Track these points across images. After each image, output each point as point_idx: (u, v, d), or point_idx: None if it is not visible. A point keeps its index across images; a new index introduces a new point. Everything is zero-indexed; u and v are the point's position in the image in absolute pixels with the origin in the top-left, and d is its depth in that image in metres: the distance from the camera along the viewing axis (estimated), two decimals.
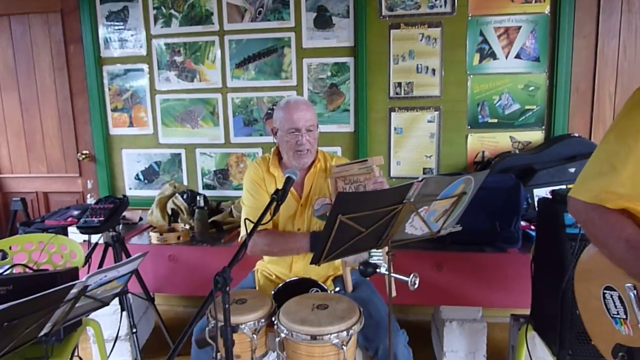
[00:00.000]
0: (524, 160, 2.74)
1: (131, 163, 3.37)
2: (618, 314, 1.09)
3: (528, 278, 2.18)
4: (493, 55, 2.93)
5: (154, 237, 2.63)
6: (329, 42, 3.05)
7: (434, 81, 3.00)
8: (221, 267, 2.57)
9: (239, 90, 3.19)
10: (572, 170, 2.59)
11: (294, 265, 2.06)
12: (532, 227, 2.56)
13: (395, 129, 3.08)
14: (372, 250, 1.85)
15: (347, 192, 1.53)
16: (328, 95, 3.11)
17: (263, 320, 1.55)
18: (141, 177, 3.38)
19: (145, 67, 3.24)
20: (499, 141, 3.00)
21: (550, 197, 1.99)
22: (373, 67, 3.02)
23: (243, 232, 2.04)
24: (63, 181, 3.48)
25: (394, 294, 1.84)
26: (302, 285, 1.86)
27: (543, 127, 2.95)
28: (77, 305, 1.59)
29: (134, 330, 2.36)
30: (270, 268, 2.15)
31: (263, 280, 2.13)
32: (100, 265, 2.44)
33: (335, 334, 1.42)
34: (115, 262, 2.45)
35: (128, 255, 2.46)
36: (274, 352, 1.65)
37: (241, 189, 3.26)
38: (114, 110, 3.33)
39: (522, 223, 2.52)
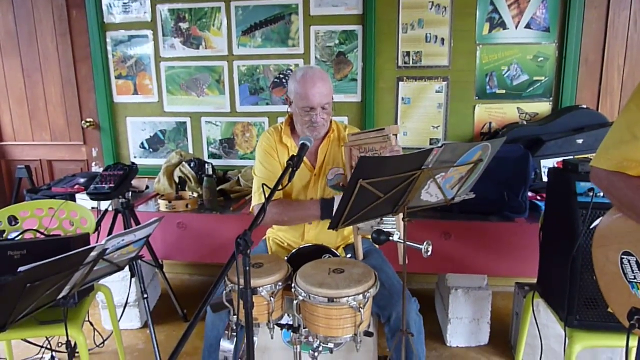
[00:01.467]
0: (532, 132, 2.75)
1: (136, 131, 3.35)
2: (635, 278, 1.12)
3: (534, 247, 2.22)
4: (503, 25, 2.90)
5: (162, 204, 2.64)
6: (337, 9, 3.00)
7: (443, 51, 2.97)
8: (231, 235, 2.59)
9: (245, 58, 3.15)
10: (580, 141, 2.60)
11: (307, 234, 2.08)
12: (539, 198, 2.59)
13: (403, 99, 3.06)
14: (385, 218, 1.87)
15: (369, 157, 1.53)
16: (336, 64, 3.08)
17: (280, 283, 1.57)
18: (146, 145, 3.37)
19: (149, 33, 3.19)
20: (507, 112, 3.00)
21: (561, 167, 2.01)
22: (382, 36, 2.99)
23: (255, 202, 2.04)
24: (67, 149, 3.46)
25: (405, 261, 1.87)
26: (315, 252, 1.87)
27: (551, 98, 2.95)
28: (95, 268, 1.61)
29: (145, 295, 2.39)
30: (282, 236, 2.17)
31: (275, 247, 2.15)
32: (110, 232, 2.45)
33: (353, 297, 1.45)
34: (125, 229, 2.47)
35: (138, 222, 2.47)
36: (289, 315, 1.68)
37: (247, 158, 3.29)
38: (118, 77, 3.29)
39: (530, 194, 2.54)
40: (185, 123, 3.30)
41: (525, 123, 2.93)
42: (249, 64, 3.15)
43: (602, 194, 1.75)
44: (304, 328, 1.56)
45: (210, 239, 2.59)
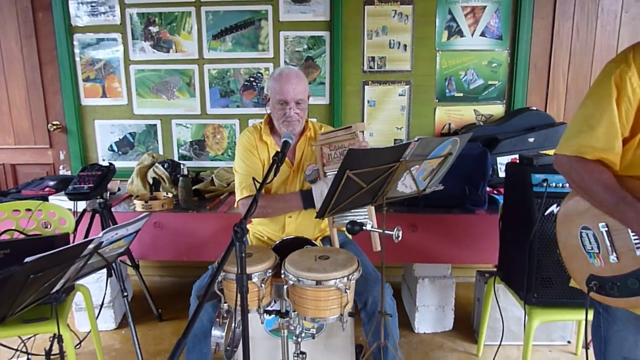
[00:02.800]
0: (488, 131, 2.98)
1: (105, 134, 3.35)
2: (592, 249, 1.30)
3: (494, 237, 2.43)
4: (460, 33, 3.12)
5: (138, 204, 2.67)
6: (306, 15, 3.14)
7: (406, 56, 3.17)
8: (209, 232, 2.68)
9: (215, 62, 3.23)
10: (532, 140, 2.85)
11: (287, 227, 2.19)
12: (496, 192, 2.81)
13: (368, 101, 3.23)
14: (357, 210, 2.01)
15: (357, 149, 1.65)
16: (304, 68, 3.21)
17: (270, 270, 1.67)
18: (115, 148, 3.37)
19: (118, 36, 3.20)
20: (464, 114, 3.23)
21: (518, 161, 2.23)
22: (348, 42, 3.15)
23: (240, 196, 2.13)
24: (32, 153, 3.40)
25: (379, 248, 2.03)
26: (297, 243, 1.98)
27: (504, 101, 3.20)
28: (88, 262, 1.66)
29: (125, 293, 2.42)
30: (261, 230, 2.27)
31: (256, 241, 2.25)
32: (87, 233, 2.46)
33: (340, 279, 1.58)
34: (102, 229, 2.49)
35: (115, 222, 2.49)
36: (275, 301, 1.78)
37: (218, 159, 3.37)
38: (86, 80, 3.28)
39: (488, 188, 2.76)
40: (155, 125, 3.33)
41: (481, 124, 3.16)
42: (220, 67, 3.23)
43: (554, 185, 1.97)
44: (293, 311, 1.67)
45: (188, 237, 2.64)
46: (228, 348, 1.90)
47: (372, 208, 1.97)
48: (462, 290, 3.21)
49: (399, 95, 3.21)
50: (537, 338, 2.62)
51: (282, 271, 1.65)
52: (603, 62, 3.05)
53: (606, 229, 1.26)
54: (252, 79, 3.24)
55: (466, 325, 2.86)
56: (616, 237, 1.25)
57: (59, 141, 3.37)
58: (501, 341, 2.31)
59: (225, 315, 1.81)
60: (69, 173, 3.36)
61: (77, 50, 3.23)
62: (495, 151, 2.87)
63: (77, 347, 2.62)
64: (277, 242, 1.99)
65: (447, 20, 3.10)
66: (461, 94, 3.20)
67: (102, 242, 1.59)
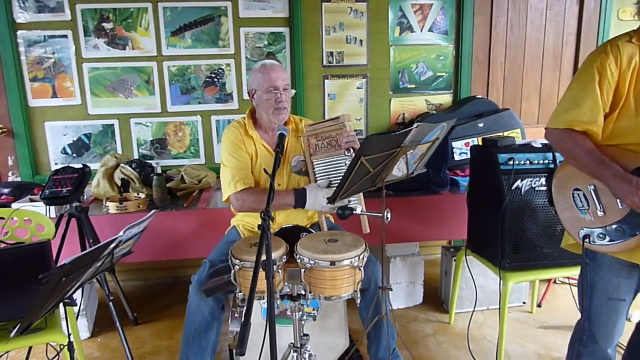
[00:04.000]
0: (442, 119, 3.22)
1: (56, 136, 3.19)
2: (583, 206, 1.56)
3: (459, 214, 2.69)
4: (410, 28, 3.35)
5: (112, 207, 2.60)
6: (265, 12, 3.20)
7: (362, 51, 3.34)
8: (188, 230, 2.69)
9: (175, 59, 3.19)
10: (481, 125, 3.15)
11: (277, 217, 2.27)
12: (453, 174, 3.08)
13: (328, 95, 3.37)
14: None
15: (373, 135, 1.77)
16: None
17: (285, 256, 1.76)
18: (69, 150, 3.22)
19: (69, 33, 3.06)
20: (417, 104, 3.47)
21: (482, 144, 2.48)
22: (307, 37, 3.26)
23: (231, 191, 2.15)
24: None
25: (367, 230, 2.19)
26: (294, 231, 2.08)
27: (451, 91, 3.49)
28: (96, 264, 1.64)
29: (111, 297, 2.37)
30: (250, 221, 2.33)
31: (247, 233, 2.30)
32: (63, 238, 2.37)
33: (355, 258, 1.70)
34: (80, 234, 2.42)
35: (92, 226, 2.42)
36: (286, 285, 1.86)
37: (181, 157, 3.34)
38: (34, 80, 3.10)
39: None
40: (112, 125, 3.23)
41: (434, 112, 3.42)
42: (179, 64, 3.20)
43: (519, 162, 2.23)
44: (309, 292, 1.76)
45: (167, 236, 2.63)
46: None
47: (361, 194, 2.13)
48: (426, 267, 3.47)
49: (357, 88, 3.38)
50: (496, 302, 2.92)
51: (297, 256, 1.74)
52: (533, 54, 3.46)
53: (594, 188, 1.52)
54: (213, 75, 3.24)
55: (434, 297, 3.11)
56: (602, 195, 1.52)
57: (5, 146, 3.15)
58: (475, 306, 2.56)
59: (240, 304, 1.86)
60: (19, 179, 3.15)
61: (22, 49, 3.04)
62: (449, 137, 3.13)
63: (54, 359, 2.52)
64: (277, 230, 2.07)
65: (398, 17, 3.32)
66: (413, 86, 3.44)
67: (121, 241, 1.58)
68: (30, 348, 2.28)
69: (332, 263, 1.69)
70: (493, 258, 2.31)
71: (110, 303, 2.39)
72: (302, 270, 1.74)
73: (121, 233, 1.55)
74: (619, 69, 1.48)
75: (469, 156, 3.13)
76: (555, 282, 3.20)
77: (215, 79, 3.25)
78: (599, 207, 1.52)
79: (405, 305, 3.04)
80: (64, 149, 3.21)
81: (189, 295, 2.12)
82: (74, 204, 2.33)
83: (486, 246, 2.39)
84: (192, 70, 3.22)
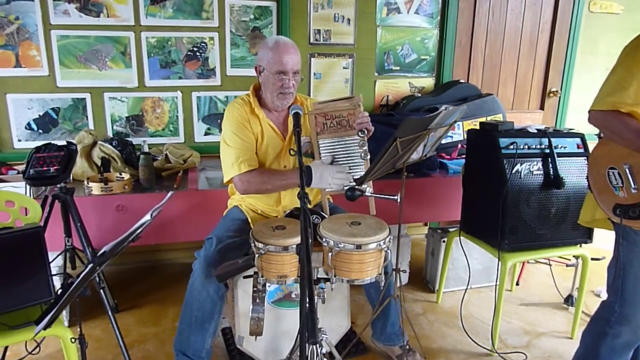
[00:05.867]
0: (428, 102, 3.27)
1: (20, 110, 2.90)
2: (617, 184, 1.65)
3: (451, 196, 2.74)
4: (397, 10, 3.33)
5: (95, 187, 2.42)
6: None
7: (349, 30, 3.28)
8: (178, 212, 2.57)
9: (154, 29, 2.98)
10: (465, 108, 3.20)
11: (283, 199, 2.21)
12: (438, 156, 3.12)
13: (314, 74, 3.29)
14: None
15: (411, 118, 1.72)
16: (251, 39, 3.14)
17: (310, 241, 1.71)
18: (34, 126, 2.95)
19: None
20: (400, 86, 3.48)
21: (479, 127, 2.53)
22: (295, 13, 3.15)
23: (235, 172, 2.05)
24: None
25: (374, 212, 2.17)
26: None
27: (433, 74, 3.52)
28: None
29: (103, 285, 2.21)
30: (253, 203, 2.24)
31: (252, 214, 2.22)
32: (47, 221, 2.18)
33: (382, 240, 1.69)
34: (64, 217, 2.24)
35: (76, 209, 2.24)
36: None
37: (159, 135, 3.17)
38: None
39: None
40: (84, 99, 2.98)
41: (419, 95, 3.44)
42: (159, 35, 3.00)
43: (521, 146, 2.29)
44: (335, 276, 1.73)
45: (156, 218, 2.47)
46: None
47: None
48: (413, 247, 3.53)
49: (343, 68, 3.33)
50: (479, 281, 3.04)
51: (324, 239, 1.70)
52: (512, 40, 3.55)
53: (629, 167, 1.62)
54: (195, 49, 3.07)
55: (419, 277, 3.17)
56: (637, 173, 1.61)
57: None
58: (467, 285, 2.64)
59: (261, 289, 1.80)
60: None
61: None
62: None
63: (35, 351, 2.33)
64: (287, 212, 2.02)
65: None
66: (398, 68, 3.44)
67: (144, 225, 1.47)
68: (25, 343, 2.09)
69: (359, 247, 1.67)
70: (492, 239, 2.37)
71: (102, 290, 2.23)
72: (330, 254, 1.70)
73: (148, 217, 1.44)
74: None
75: (454, 139, 3.21)
76: (528, 261, 3.37)
77: (198, 53, 3.08)
78: (632, 185, 1.60)
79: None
80: (28, 124, 2.93)
81: (192, 273, 2.03)
82: (58, 185, 2.14)
83: (484, 228, 2.45)
84: (172, 42, 3.03)
